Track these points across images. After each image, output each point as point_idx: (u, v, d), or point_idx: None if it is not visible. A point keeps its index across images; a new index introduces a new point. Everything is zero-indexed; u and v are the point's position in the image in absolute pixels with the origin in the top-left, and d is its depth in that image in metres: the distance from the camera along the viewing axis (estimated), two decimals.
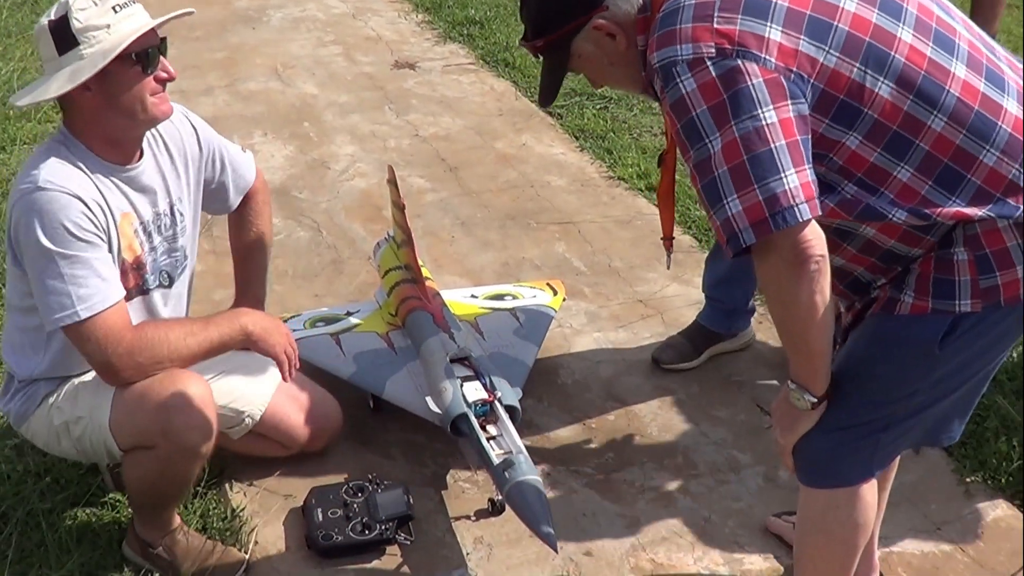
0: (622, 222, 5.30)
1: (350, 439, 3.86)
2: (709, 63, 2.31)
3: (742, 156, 2.28)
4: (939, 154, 2.39)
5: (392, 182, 4.21)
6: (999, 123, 2.40)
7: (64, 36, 3.00)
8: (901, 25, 2.40)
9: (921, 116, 2.37)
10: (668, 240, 3.40)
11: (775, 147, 2.28)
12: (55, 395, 3.27)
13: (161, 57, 3.11)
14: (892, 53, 2.37)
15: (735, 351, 4.37)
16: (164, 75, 3.12)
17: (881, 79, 2.36)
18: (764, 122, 2.28)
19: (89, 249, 3.01)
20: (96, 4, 3.00)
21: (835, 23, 2.36)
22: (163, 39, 3.14)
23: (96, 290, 3.00)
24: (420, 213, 5.34)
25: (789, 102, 2.30)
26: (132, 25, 3.02)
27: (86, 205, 3.02)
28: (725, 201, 2.32)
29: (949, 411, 2.72)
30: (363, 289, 4.72)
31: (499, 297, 4.39)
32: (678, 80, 2.34)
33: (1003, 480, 3.69)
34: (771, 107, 2.29)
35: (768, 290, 2.48)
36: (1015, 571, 3.37)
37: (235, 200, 3.65)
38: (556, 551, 3.17)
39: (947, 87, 2.38)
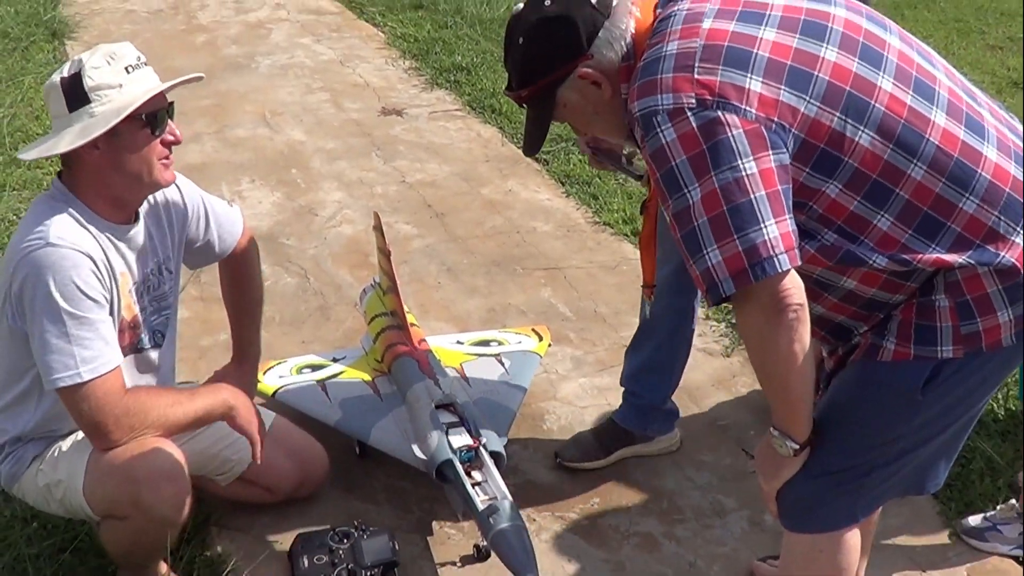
0: (608, 267, 5.33)
1: (336, 485, 3.88)
2: (689, 113, 2.32)
3: (722, 207, 2.30)
4: (919, 202, 2.41)
5: (378, 228, 4.24)
6: (979, 171, 2.42)
7: (76, 93, 3.02)
8: (881, 74, 2.42)
9: (901, 165, 2.40)
10: (649, 288, 3.33)
11: (755, 197, 2.30)
12: (41, 458, 3.29)
13: (169, 120, 3.14)
14: (872, 102, 2.39)
15: (652, 456, 4.09)
16: (171, 138, 3.15)
17: (861, 128, 2.38)
18: (744, 173, 2.30)
19: (96, 310, 3.03)
20: (109, 64, 3.03)
21: (815, 73, 2.38)
22: (171, 103, 3.17)
23: (99, 353, 3.02)
24: (407, 259, 5.37)
25: (770, 152, 2.32)
26: (143, 86, 3.05)
27: (95, 264, 3.05)
28: (705, 252, 2.34)
29: (933, 457, 2.73)
30: (350, 335, 4.74)
31: (485, 343, 4.41)
32: (658, 130, 2.35)
33: None
34: (751, 158, 2.30)
35: (748, 339, 2.50)
36: None
37: (220, 256, 3.67)
38: None
39: (927, 135, 2.40)
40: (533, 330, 4.54)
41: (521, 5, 2.71)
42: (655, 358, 3.92)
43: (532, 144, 2.79)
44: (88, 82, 3.00)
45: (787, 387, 2.49)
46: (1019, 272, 2.42)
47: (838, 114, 2.37)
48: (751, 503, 3.83)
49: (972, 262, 2.43)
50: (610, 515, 3.81)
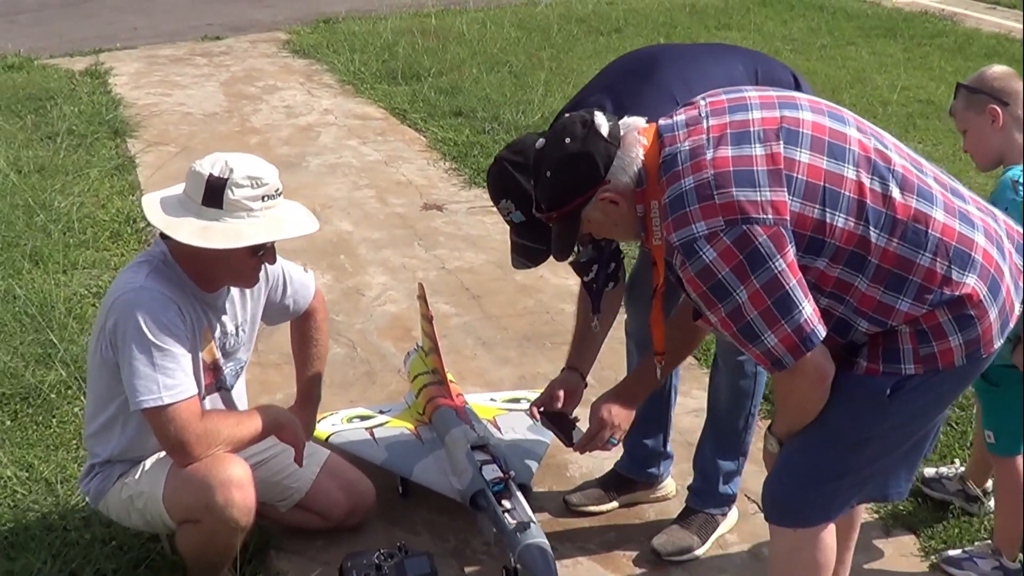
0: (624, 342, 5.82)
1: (381, 517, 4.37)
2: (723, 234, 2.89)
3: (767, 302, 2.90)
4: (886, 264, 2.96)
5: (422, 298, 4.77)
6: (928, 230, 2.96)
7: (214, 196, 3.55)
8: (847, 165, 2.97)
9: (869, 236, 2.94)
10: (660, 355, 3.76)
11: (789, 288, 2.90)
12: (126, 475, 3.81)
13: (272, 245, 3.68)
14: (842, 191, 2.95)
15: (656, 500, 4.56)
16: (268, 260, 3.71)
17: (837, 214, 2.94)
18: (776, 271, 2.88)
19: (178, 345, 3.58)
20: (253, 187, 3.54)
21: (795, 175, 2.94)
22: None
23: (180, 381, 3.56)
24: (445, 334, 5.86)
25: (789, 247, 2.90)
26: (269, 223, 3.57)
27: (180, 309, 3.60)
28: (763, 337, 2.94)
29: (896, 465, 3.26)
30: (393, 396, 5.23)
31: (515, 400, 4.92)
32: (701, 253, 2.91)
33: None
34: (778, 256, 2.88)
35: (789, 398, 3.18)
36: None
37: (294, 315, 4.21)
38: None
39: (884, 210, 2.95)
40: None
41: (543, 141, 3.24)
42: (649, 410, 4.35)
43: (563, 253, 3.38)
44: (229, 194, 3.54)
45: (803, 423, 3.17)
46: (965, 305, 2.96)
47: (817, 206, 2.93)
48: (750, 539, 4.31)
49: (930, 307, 2.97)
50: (625, 546, 4.29)
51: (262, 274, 3.92)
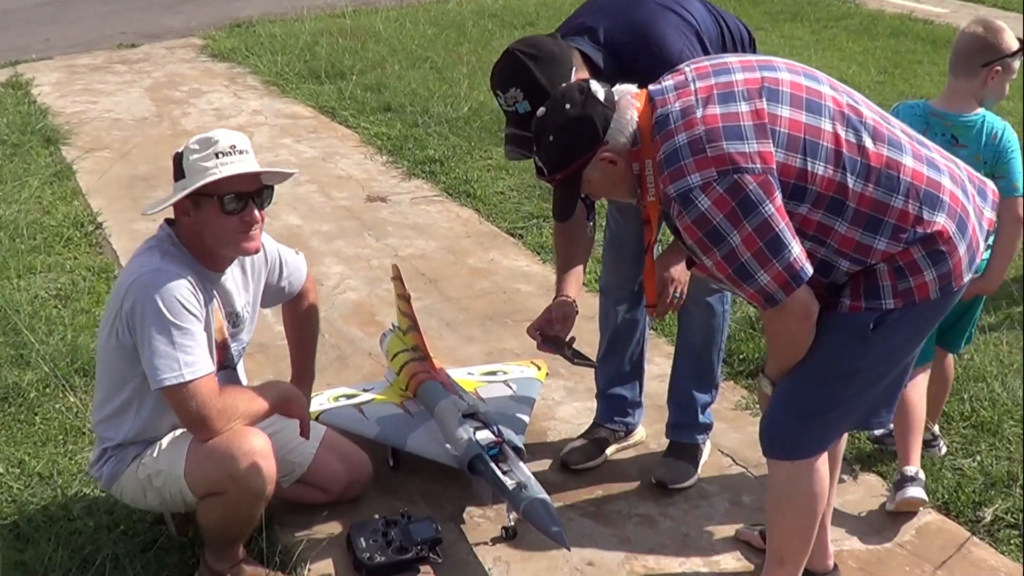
0: (587, 318, 5.91)
1: (377, 490, 4.53)
2: (716, 184, 3.15)
3: (759, 243, 3.16)
4: (863, 208, 3.23)
5: (397, 278, 4.94)
6: (899, 175, 3.24)
7: (179, 168, 3.75)
8: (823, 119, 3.25)
9: (845, 181, 3.21)
10: (652, 307, 4.06)
11: (779, 230, 3.16)
12: (141, 456, 3.93)
13: (252, 203, 3.77)
14: (820, 142, 3.21)
15: (630, 446, 4.87)
16: (248, 219, 3.79)
17: (818, 162, 3.20)
18: (766, 215, 3.14)
19: (195, 323, 3.72)
20: (203, 148, 3.70)
21: (778, 128, 3.20)
22: (266, 187, 3.82)
23: (198, 359, 3.70)
24: None
25: (777, 193, 3.16)
26: (228, 171, 3.68)
27: (192, 285, 3.73)
28: (756, 276, 3.19)
29: (880, 398, 3.53)
30: (369, 377, 5.38)
31: (492, 373, 5.12)
32: (696, 202, 3.17)
33: (928, 497, 4.42)
34: (767, 201, 3.15)
35: (779, 335, 3.46)
36: (946, 558, 4.12)
37: (289, 297, 4.36)
38: (568, 548, 3.87)
39: (859, 158, 3.22)
40: (532, 362, 5.25)
41: (544, 109, 3.48)
42: (625, 364, 4.76)
43: (565, 213, 3.59)
44: (186, 162, 3.72)
45: (793, 361, 3.43)
46: (937, 241, 3.24)
47: (799, 155, 3.19)
48: (730, 488, 4.56)
49: (905, 245, 3.23)
50: (613, 501, 4.51)
51: (261, 255, 4.07)
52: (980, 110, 4.30)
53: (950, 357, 4.70)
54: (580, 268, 4.35)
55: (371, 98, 10.12)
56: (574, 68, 3.94)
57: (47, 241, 7.07)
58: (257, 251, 3.92)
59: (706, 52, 4.05)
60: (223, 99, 10.49)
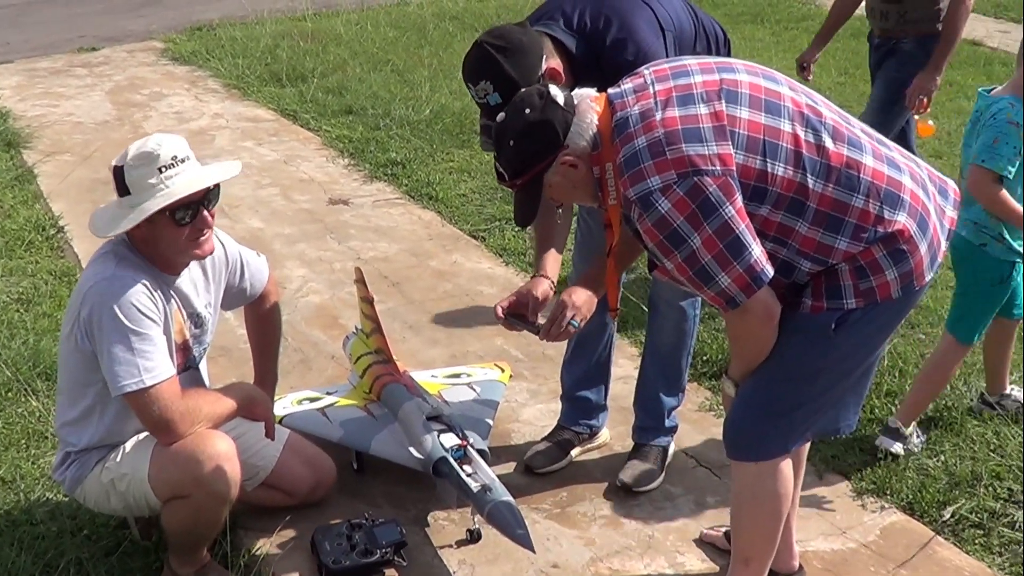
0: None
1: (341, 492, 4.53)
2: (676, 186, 3.15)
3: (720, 245, 3.16)
4: (823, 208, 3.24)
5: (360, 281, 4.92)
6: (860, 175, 3.25)
7: (120, 184, 3.73)
8: (782, 120, 3.26)
9: (805, 182, 3.22)
10: (614, 311, 4.04)
11: (739, 232, 3.16)
12: (104, 460, 3.91)
13: (202, 209, 3.75)
14: (780, 143, 3.22)
15: (595, 448, 4.88)
16: (200, 225, 3.77)
17: (777, 163, 3.21)
18: (726, 217, 3.15)
19: (153, 327, 3.70)
20: (146, 165, 3.65)
21: (737, 130, 3.21)
22: (210, 188, 3.77)
23: (158, 363, 3.69)
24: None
25: (737, 195, 3.16)
26: (178, 185, 3.66)
27: (148, 289, 3.71)
28: (717, 278, 3.20)
29: (845, 398, 3.56)
30: (331, 381, 5.37)
31: (456, 376, 5.11)
32: (656, 204, 3.16)
33: (892, 497, 4.47)
34: (727, 203, 3.15)
35: (742, 338, 3.47)
36: (910, 557, 4.16)
37: (250, 299, 4.34)
38: (533, 550, 3.87)
39: (819, 158, 3.24)
40: (496, 364, 5.25)
41: (504, 114, 3.47)
42: (591, 367, 4.75)
43: (526, 217, 3.58)
44: (127, 177, 3.69)
45: (756, 362, 3.45)
46: (898, 240, 3.25)
47: (759, 157, 3.20)
48: (694, 490, 4.57)
49: (866, 245, 3.25)
50: (578, 504, 4.52)
51: (221, 256, 4.07)
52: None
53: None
54: (558, 249, 4.31)
55: (332, 101, 10.10)
56: (544, 56, 3.95)
57: (8, 245, 7.03)
58: (211, 252, 3.92)
59: (678, 51, 4.09)
60: (184, 102, 10.44)
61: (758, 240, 3.19)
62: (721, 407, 4.84)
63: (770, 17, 13.22)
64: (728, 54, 4.39)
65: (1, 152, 8.90)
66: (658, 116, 3.23)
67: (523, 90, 3.53)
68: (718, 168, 3.14)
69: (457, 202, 7.75)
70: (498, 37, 3.96)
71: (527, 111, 3.38)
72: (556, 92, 3.42)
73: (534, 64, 3.91)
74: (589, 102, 3.40)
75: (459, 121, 9.26)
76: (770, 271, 3.21)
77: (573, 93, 3.44)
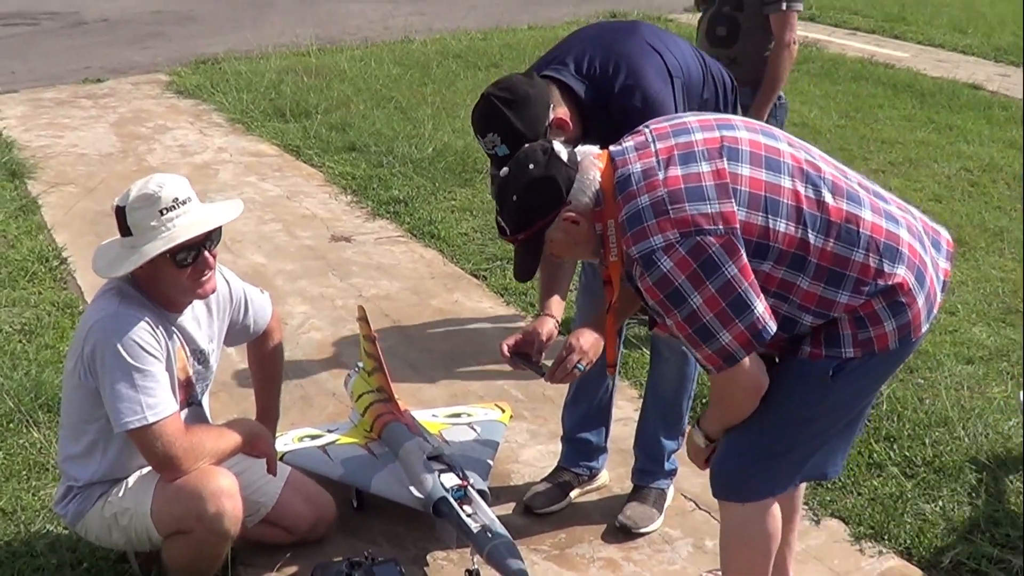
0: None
1: (340, 530, 4.54)
2: (678, 245, 3.16)
3: (722, 304, 3.17)
4: (825, 263, 3.27)
5: (363, 319, 4.95)
6: (859, 229, 3.28)
7: (123, 224, 3.78)
8: (783, 176, 3.29)
9: (808, 238, 3.25)
10: (612, 367, 4.11)
11: (742, 290, 3.18)
12: (107, 494, 3.94)
13: (204, 250, 3.79)
14: (781, 199, 3.25)
15: (594, 490, 4.91)
16: (202, 266, 3.82)
17: (779, 220, 3.23)
18: (729, 275, 3.16)
19: (156, 365, 3.74)
20: (148, 206, 3.70)
21: (739, 187, 3.23)
22: (212, 231, 3.80)
23: (161, 400, 3.73)
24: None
25: (741, 252, 3.18)
26: (179, 228, 3.70)
27: (151, 326, 3.75)
28: (718, 336, 3.20)
29: (835, 445, 3.58)
30: (332, 418, 5.40)
31: (457, 415, 5.14)
32: (659, 263, 3.18)
33: (890, 542, 4.50)
34: (730, 262, 3.17)
35: (723, 402, 3.49)
36: None
37: (253, 336, 4.38)
38: None
39: (819, 214, 3.26)
40: (496, 405, 5.28)
41: (507, 169, 3.49)
42: (593, 409, 4.78)
43: (526, 273, 3.60)
44: (129, 219, 3.75)
45: (731, 424, 3.49)
46: (898, 293, 3.28)
47: (761, 214, 3.22)
48: (693, 532, 4.58)
49: (867, 297, 3.27)
50: (576, 546, 4.54)
51: (226, 293, 4.11)
52: None
53: None
54: (563, 291, 4.36)
55: (336, 137, 10.15)
56: (551, 106, 3.99)
57: (11, 275, 7.05)
58: (214, 291, 3.95)
59: (686, 97, 4.14)
60: (188, 136, 10.49)
61: (762, 296, 3.21)
62: None
63: None
64: (735, 99, 4.44)
65: (5, 182, 8.94)
66: (661, 175, 3.25)
67: (527, 145, 3.55)
68: (721, 227, 3.16)
69: (459, 241, 7.78)
70: (504, 89, 4.00)
71: (530, 166, 3.41)
72: (560, 148, 3.44)
73: (541, 114, 3.96)
74: (592, 159, 3.42)
75: (462, 160, 9.31)
76: (773, 327, 3.23)
77: (576, 150, 3.47)
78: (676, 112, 4.05)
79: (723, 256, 3.15)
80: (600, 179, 3.37)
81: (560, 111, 4.03)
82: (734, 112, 4.43)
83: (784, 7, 5.97)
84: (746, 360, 3.25)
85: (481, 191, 8.56)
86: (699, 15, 6.41)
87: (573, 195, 3.38)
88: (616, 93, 4.07)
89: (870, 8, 17.40)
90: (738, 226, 3.18)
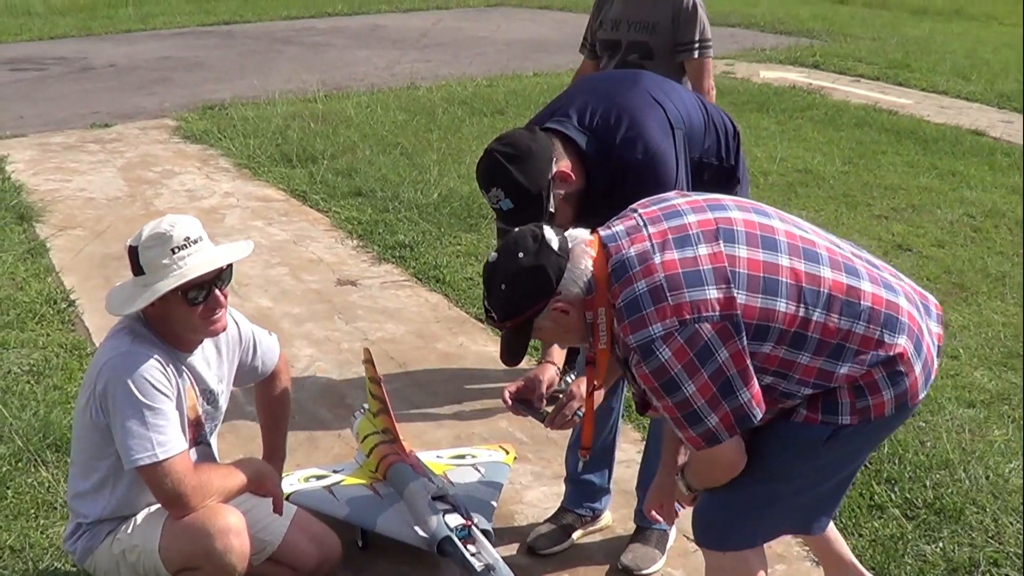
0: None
1: (346, 570, 4.57)
2: (677, 334, 3.17)
3: (713, 390, 3.19)
4: (826, 337, 3.28)
5: (369, 361, 5.01)
6: (860, 302, 3.29)
7: (135, 263, 3.84)
8: (779, 254, 3.29)
9: (808, 315, 3.25)
10: (585, 450, 4.11)
11: (731, 376, 3.18)
12: (115, 531, 3.99)
13: (215, 288, 3.85)
14: (779, 278, 3.26)
15: (597, 531, 4.93)
16: (212, 305, 3.88)
17: (778, 300, 3.24)
18: (721, 361, 3.17)
19: (167, 403, 3.80)
20: (159, 246, 3.77)
21: (737, 270, 3.24)
22: (223, 268, 3.87)
23: (171, 438, 3.78)
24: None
25: (735, 338, 3.19)
26: (191, 266, 3.76)
27: (162, 365, 3.81)
28: (705, 419, 3.22)
29: (821, 501, 3.59)
30: (337, 459, 5.44)
31: (461, 456, 5.19)
32: (657, 353, 3.17)
33: None
34: (723, 348, 3.17)
35: (701, 476, 3.52)
36: None
37: (261, 376, 4.43)
38: None
39: (820, 289, 3.27)
40: (500, 446, 5.33)
41: (495, 254, 3.47)
42: (597, 450, 4.73)
43: (514, 358, 3.57)
44: (141, 258, 3.81)
45: (715, 486, 3.50)
46: (898, 363, 3.29)
47: (760, 295, 3.23)
48: (695, 573, 4.59)
49: (867, 368, 3.29)
50: None
51: (235, 334, 4.16)
52: None
53: None
54: None
55: (342, 183, 10.25)
56: (554, 159, 4.05)
57: (20, 317, 7.12)
58: (224, 330, 4.00)
59: (687, 147, 4.19)
60: (195, 180, 10.60)
61: (753, 380, 3.22)
62: None
63: (775, 106, 13.42)
64: (737, 145, 4.49)
65: (14, 225, 9.03)
66: (657, 259, 3.23)
67: (516, 231, 3.49)
68: (717, 313, 3.16)
69: (464, 285, 7.84)
70: (507, 144, 4.06)
71: (520, 255, 3.35)
72: (551, 236, 3.39)
73: (543, 168, 4.01)
74: (583, 247, 3.36)
75: (467, 205, 9.38)
76: (758, 414, 3.24)
77: (567, 235, 3.42)
78: (676, 165, 4.11)
79: (716, 342, 3.16)
80: (592, 268, 3.34)
81: (563, 164, 4.08)
82: (736, 157, 4.49)
83: (697, 55, 5.93)
84: (728, 440, 3.27)
85: (486, 236, 8.63)
86: (594, 61, 6.21)
87: (563, 285, 3.33)
88: (617, 145, 4.13)
89: (874, 55, 17.57)
90: (739, 311, 3.18)
